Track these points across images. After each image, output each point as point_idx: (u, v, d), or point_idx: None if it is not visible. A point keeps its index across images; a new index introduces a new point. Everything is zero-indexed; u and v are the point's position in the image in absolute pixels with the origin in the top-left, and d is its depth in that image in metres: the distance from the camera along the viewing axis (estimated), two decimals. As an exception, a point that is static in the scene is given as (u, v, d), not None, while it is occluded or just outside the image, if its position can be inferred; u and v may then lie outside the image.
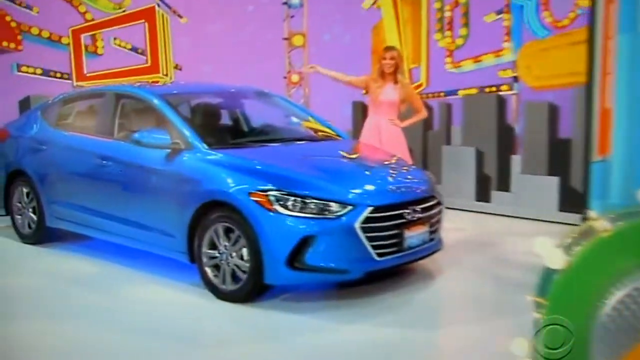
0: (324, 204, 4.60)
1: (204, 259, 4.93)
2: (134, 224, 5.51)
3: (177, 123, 5.33)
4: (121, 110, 5.97)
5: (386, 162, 5.64)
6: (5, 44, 8.37)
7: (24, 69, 8.50)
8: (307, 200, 4.58)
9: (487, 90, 8.50)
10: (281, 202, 4.57)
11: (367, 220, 4.64)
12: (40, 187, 6.36)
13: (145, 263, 5.75)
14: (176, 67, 9.62)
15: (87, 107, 6.70)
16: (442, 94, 8.99)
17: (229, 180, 4.81)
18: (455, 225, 6.69)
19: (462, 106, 8.68)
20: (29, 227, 6.59)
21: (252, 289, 4.72)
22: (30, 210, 6.53)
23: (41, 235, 6.52)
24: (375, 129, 6.73)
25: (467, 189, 8.51)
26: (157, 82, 9.07)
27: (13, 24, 8.43)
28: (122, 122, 5.97)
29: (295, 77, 10.05)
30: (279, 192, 4.60)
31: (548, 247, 3.02)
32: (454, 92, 8.84)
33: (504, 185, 8.26)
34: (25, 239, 6.64)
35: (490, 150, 8.38)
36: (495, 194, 8.33)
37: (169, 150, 5.21)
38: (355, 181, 4.93)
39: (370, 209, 4.66)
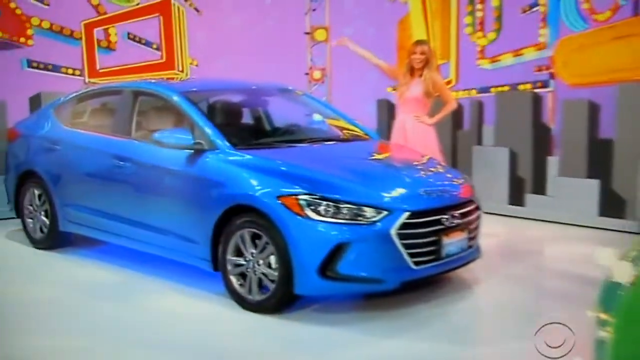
0: (357, 208, 4.48)
1: (229, 267, 4.82)
2: (152, 228, 5.41)
3: (200, 122, 5.22)
4: (139, 108, 5.87)
5: (421, 164, 5.52)
6: (15, 38, 8.33)
7: (34, 64, 8.46)
8: (340, 205, 4.46)
9: (521, 87, 8.36)
10: (312, 207, 4.45)
11: (404, 226, 4.51)
12: (53, 189, 6.28)
13: (164, 271, 5.65)
14: (192, 62, 9.54)
15: (102, 104, 6.63)
16: (473, 91, 8.85)
17: (256, 183, 4.70)
18: (488, 231, 6.52)
19: (494, 104, 8.52)
20: (41, 231, 6.51)
21: (280, 300, 4.61)
22: (43, 213, 6.46)
23: (54, 240, 6.44)
24: (401, 127, 6.64)
25: (499, 191, 8.36)
26: (173, 78, 8.98)
27: (23, 18, 8.38)
28: (140, 120, 5.87)
29: (317, 74, 9.95)
30: (310, 196, 4.48)
31: (612, 259, 2.88)
32: (486, 90, 8.70)
33: (540, 188, 8.13)
34: (37, 243, 6.56)
35: (525, 151, 8.24)
36: (530, 198, 8.19)
37: (191, 151, 5.11)
38: (390, 184, 4.80)
39: (406, 214, 4.53)
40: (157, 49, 9.28)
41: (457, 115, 8.61)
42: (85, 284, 5.55)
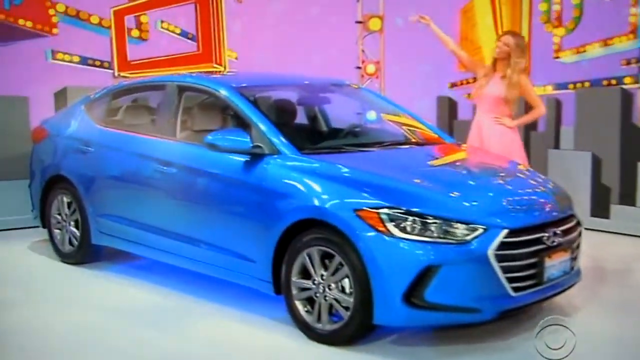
0: (448, 225, 4.13)
1: (294, 291, 4.52)
2: (200, 244, 5.15)
3: (261, 122, 4.92)
4: (184, 105, 5.60)
5: (515, 173, 5.21)
6: (38, 27, 8.17)
7: (59, 56, 8.32)
8: (428, 221, 4.12)
9: (605, 83, 8.02)
10: (395, 223, 4.12)
11: (501, 246, 4.16)
12: (84, 197, 6.04)
13: (213, 292, 5.38)
14: (230, 55, 9.34)
15: (139, 101, 6.44)
16: (548, 87, 8.54)
17: (328, 194, 4.38)
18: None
19: (574, 102, 8.20)
20: (70, 243, 6.29)
21: (356, 330, 4.28)
22: (72, 223, 6.24)
23: (85, 253, 6.22)
24: (475, 127, 6.40)
25: (580, 202, 7.96)
26: (213, 72, 8.76)
27: (47, 4, 8.22)
28: (185, 119, 5.61)
29: (371, 68, 9.59)
30: (392, 210, 4.14)
31: None
32: (563, 86, 8.39)
33: (629, 198, 7.80)
34: (65, 257, 6.34)
35: (611, 155, 7.93)
36: (617, 209, 7.82)
37: (248, 156, 4.81)
38: (483, 197, 4.46)
39: (505, 232, 4.18)
40: (193, 39, 9.10)
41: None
42: (123, 306, 5.29)
